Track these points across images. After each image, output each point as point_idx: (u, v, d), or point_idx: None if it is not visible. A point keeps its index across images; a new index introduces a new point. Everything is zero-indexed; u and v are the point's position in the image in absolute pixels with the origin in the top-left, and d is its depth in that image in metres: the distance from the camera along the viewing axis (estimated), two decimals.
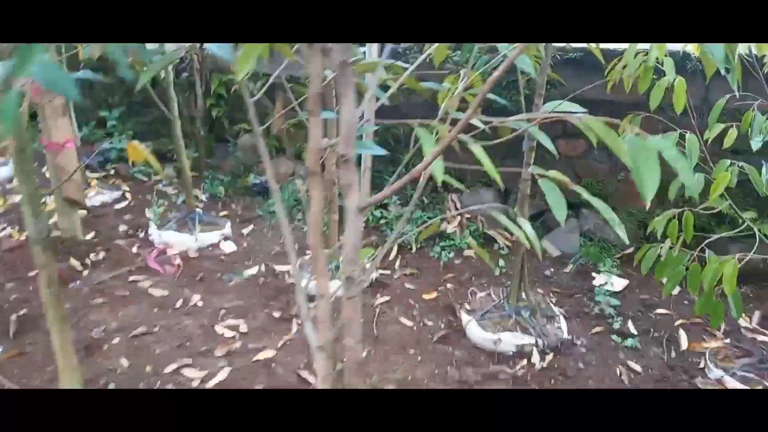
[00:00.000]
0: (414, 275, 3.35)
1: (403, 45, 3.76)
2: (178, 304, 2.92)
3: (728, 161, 1.94)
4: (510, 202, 3.78)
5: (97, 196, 4.14)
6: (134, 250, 3.47)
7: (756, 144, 2.03)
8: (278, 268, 3.37)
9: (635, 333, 2.81)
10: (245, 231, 3.87)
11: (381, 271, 3.36)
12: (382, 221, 3.87)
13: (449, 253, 3.56)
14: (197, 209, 3.77)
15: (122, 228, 3.77)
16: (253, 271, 3.32)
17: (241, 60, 0.85)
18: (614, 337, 2.76)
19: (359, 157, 4.13)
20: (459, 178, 3.85)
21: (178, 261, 3.33)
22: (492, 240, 3.75)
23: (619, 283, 3.26)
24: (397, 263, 3.47)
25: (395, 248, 3.61)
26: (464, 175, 3.89)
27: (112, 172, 4.73)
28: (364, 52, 2.83)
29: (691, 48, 3.11)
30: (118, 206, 4.15)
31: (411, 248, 3.65)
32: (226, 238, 3.67)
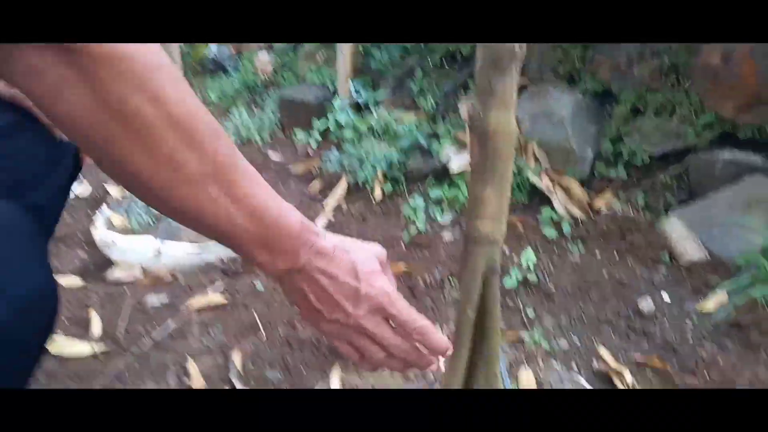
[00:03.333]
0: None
1: None
2: None
3: None
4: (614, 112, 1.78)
5: None
6: None
7: None
8: None
9: None
10: None
11: None
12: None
13: (440, 213, 1.70)
14: None
15: None
16: None
17: None
18: None
19: None
20: None
21: None
22: (543, 199, 1.75)
23: None
24: (319, 222, 1.71)
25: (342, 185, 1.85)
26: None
27: None
28: None
29: None
30: None
31: (371, 191, 1.85)
32: None
